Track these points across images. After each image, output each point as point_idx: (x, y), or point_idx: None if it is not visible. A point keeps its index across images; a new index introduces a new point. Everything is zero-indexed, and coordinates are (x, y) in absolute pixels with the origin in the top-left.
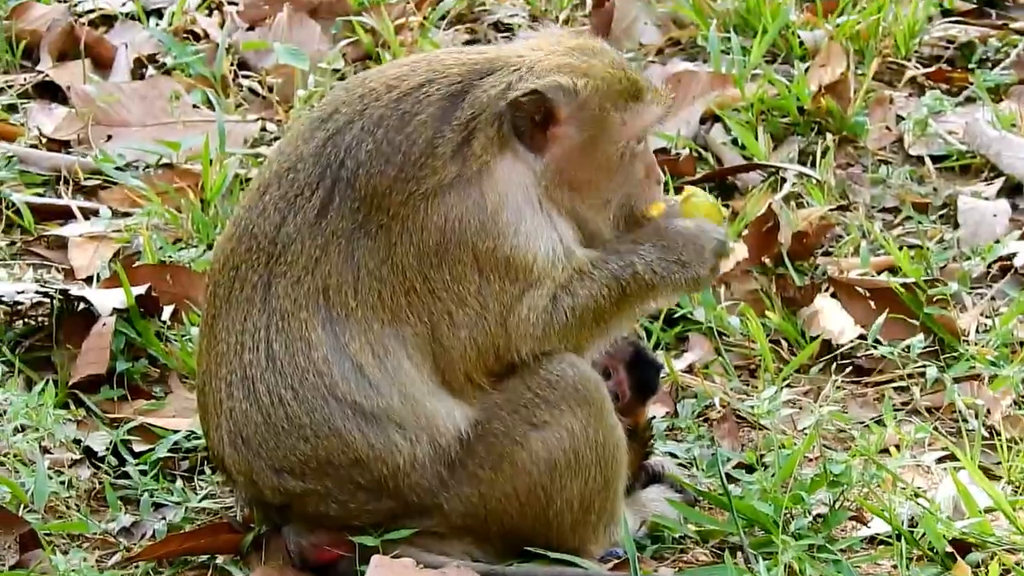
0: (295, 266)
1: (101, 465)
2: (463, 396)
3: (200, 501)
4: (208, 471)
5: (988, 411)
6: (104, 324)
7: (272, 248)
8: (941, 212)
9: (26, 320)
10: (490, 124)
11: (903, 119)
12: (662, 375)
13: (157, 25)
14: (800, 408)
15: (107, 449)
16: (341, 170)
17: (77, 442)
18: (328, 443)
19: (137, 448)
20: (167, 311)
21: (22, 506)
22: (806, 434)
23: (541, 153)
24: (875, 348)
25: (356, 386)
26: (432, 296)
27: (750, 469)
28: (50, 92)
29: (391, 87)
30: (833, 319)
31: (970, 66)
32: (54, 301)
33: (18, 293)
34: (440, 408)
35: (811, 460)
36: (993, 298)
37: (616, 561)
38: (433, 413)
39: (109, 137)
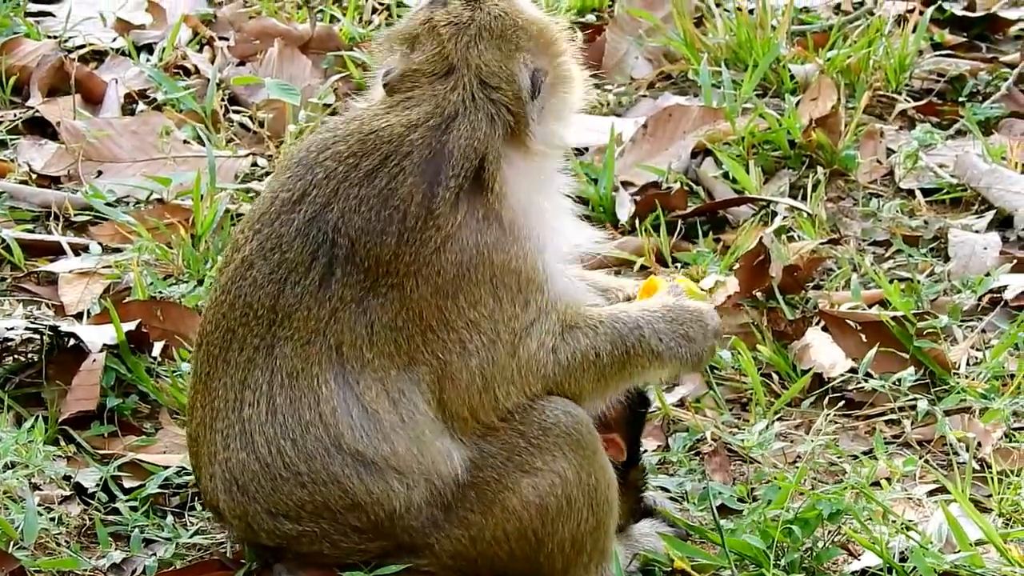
0: (302, 330)
1: (91, 501)
2: (463, 434)
3: (191, 537)
4: (199, 507)
5: (979, 444)
6: (94, 360)
7: (273, 315)
8: (932, 245)
9: (16, 356)
10: (495, 151)
11: (894, 152)
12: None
13: (147, 60)
14: (791, 441)
15: (97, 485)
16: (334, 248)
17: (67, 478)
18: (326, 490)
19: (127, 484)
20: (157, 347)
21: (12, 543)
22: (797, 467)
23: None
24: (866, 381)
25: (362, 435)
26: (447, 328)
27: (742, 502)
28: (40, 128)
29: (352, 165)
30: (824, 352)
31: (960, 99)
32: (44, 337)
33: (8, 330)
34: (443, 449)
35: (803, 493)
36: (984, 331)
37: None
38: (436, 456)
39: (99, 173)
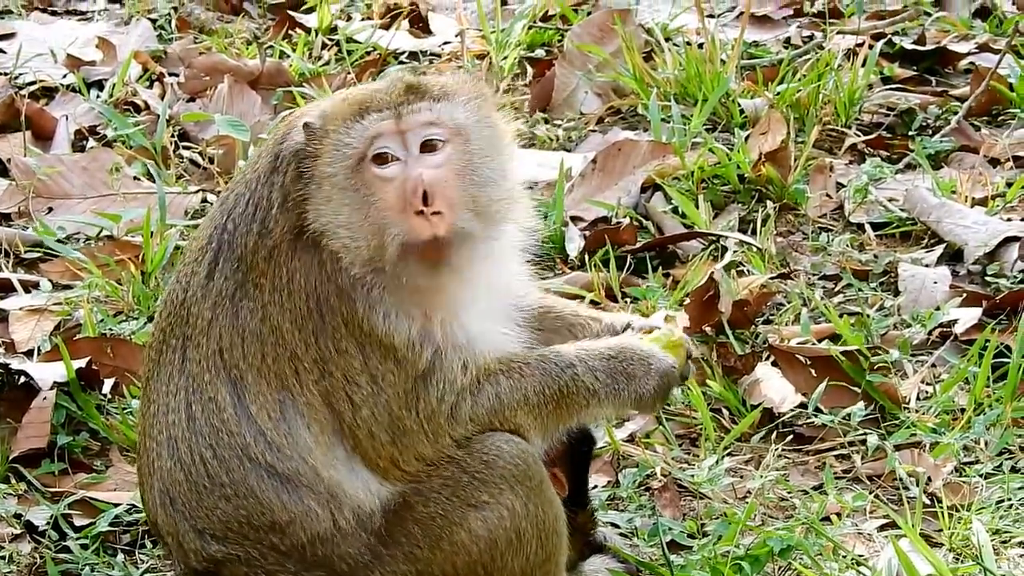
0: (196, 329)
1: (42, 540)
2: (392, 480)
3: (142, 575)
4: (149, 544)
5: (929, 479)
6: (45, 398)
7: (182, 312)
8: (882, 279)
9: None
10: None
11: (843, 186)
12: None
13: (98, 97)
14: (742, 477)
15: (48, 523)
16: (223, 233)
17: (18, 517)
18: (247, 503)
19: (78, 522)
20: (108, 384)
21: None
22: (748, 503)
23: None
24: (816, 416)
25: (266, 448)
26: (318, 367)
27: (692, 538)
28: None
29: (256, 159)
30: (774, 387)
31: (910, 133)
32: None
33: None
34: (353, 481)
35: (753, 529)
36: (934, 365)
37: None
38: (340, 484)
39: (50, 209)
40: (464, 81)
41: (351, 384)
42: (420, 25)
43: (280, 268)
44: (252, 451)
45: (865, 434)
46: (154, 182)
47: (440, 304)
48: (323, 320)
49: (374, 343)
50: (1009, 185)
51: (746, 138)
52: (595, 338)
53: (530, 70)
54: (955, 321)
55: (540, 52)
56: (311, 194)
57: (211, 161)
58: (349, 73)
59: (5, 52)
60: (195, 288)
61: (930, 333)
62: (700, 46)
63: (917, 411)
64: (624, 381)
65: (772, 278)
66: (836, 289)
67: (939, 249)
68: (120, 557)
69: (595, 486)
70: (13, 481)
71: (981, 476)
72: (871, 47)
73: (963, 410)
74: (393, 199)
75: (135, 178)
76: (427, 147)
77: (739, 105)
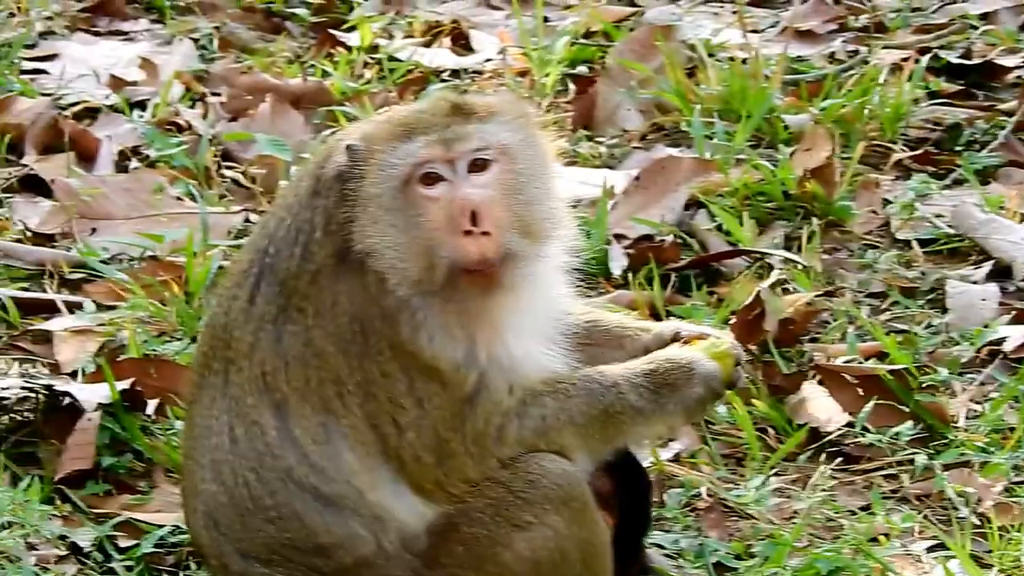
0: (238, 353)
1: (87, 561)
2: (432, 499)
3: None
4: (193, 566)
5: (979, 499)
6: (89, 419)
7: (225, 336)
8: (929, 296)
9: (11, 416)
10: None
11: (890, 203)
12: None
13: (140, 117)
14: (788, 497)
15: (93, 545)
16: (266, 257)
17: (63, 538)
18: (291, 526)
19: (123, 544)
20: (152, 405)
21: None
22: (794, 523)
23: (355, 216)
24: (863, 435)
25: (310, 470)
26: (362, 390)
27: (739, 559)
28: (35, 186)
29: (300, 179)
30: (820, 407)
31: (957, 148)
32: (39, 396)
33: (2, 389)
34: (398, 503)
35: (800, 550)
36: (983, 383)
37: None
38: (385, 506)
39: (93, 230)
40: (508, 100)
41: (396, 407)
42: (462, 43)
43: (323, 292)
44: (296, 474)
45: (913, 454)
46: (197, 202)
47: (486, 325)
48: (367, 343)
49: (419, 365)
50: None
51: (791, 154)
52: (643, 350)
53: (572, 87)
54: (1004, 339)
55: (582, 69)
56: (356, 216)
57: (253, 181)
58: (391, 91)
59: (49, 73)
60: (236, 312)
61: (979, 351)
62: (744, 62)
63: (966, 430)
64: (668, 393)
65: (818, 296)
66: (883, 307)
67: (987, 266)
68: None
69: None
70: (58, 502)
71: None
72: (917, 61)
73: (1013, 429)
74: (441, 219)
75: (178, 198)
76: (474, 167)
77: (783, 121)
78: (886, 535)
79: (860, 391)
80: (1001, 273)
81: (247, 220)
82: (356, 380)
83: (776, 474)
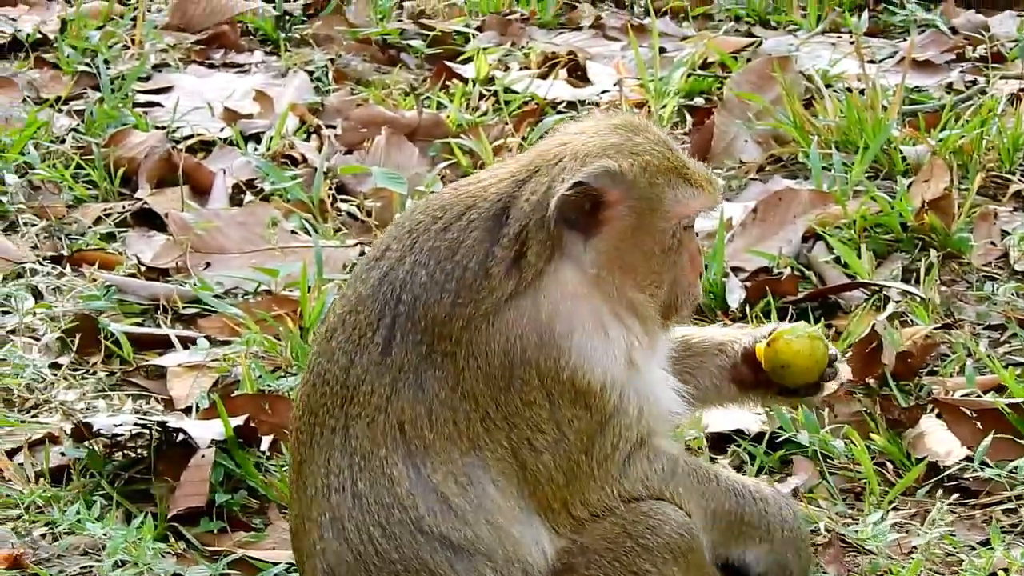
0: (368, 406)
1: None
2: (556, 523)
3: None
4: None
5: None
6: (203, 456)
7: (344, 391)
8: None
9: (125, 452)
10: (540, 229)
11: (1008, 234)
12: None
13: (255, 150)
14: (907, 532)
15: None
16: (399, 305)
17: None
18: None
19: None
20: (266, 441)
21: None
22: (913, 559)
23: (593, 239)
24: (982, 470)
25: (442, 518)
26: (507, 422)
27: None
28: (148, 220)
29: (436, 218)
30: (939, 440)
31: None
32: (152, 433)
33: (116, 426)
34: (527, 535)
35: None
36: None
37: None
38: (519, 542)
39: (207, 264)
40: None
41: (536, 432)
42: (578, 74)
43: (478, 334)
44: (426, 524)
45: None
46: (311, 236)
47: (643, 356)
48: (512, 373)
49: (566, 390)
50: None
51: (908, 186)
52: (742, 351)
53: (689, 118)
54: None
55: (699, 100)
56: (599, 242)
57: (369, 214)
58: (507, 123)
59: (163, 106)
60: (366, 365)
61: None
62: (861, 92)
63: None
64: (779, 513)
65: (936, 328)
66: (1001, 339)
67: None
68: None
69: None
70: (172, 540)
71: None
72: None
73: None
74: (690, 261)
75: (292, 232)
76: None
77: (901, 152)
78: (1005, 570)
79: (979, 425)
80: None
81: (362, 253)
82: (503, 414)
83: (894, 508)
